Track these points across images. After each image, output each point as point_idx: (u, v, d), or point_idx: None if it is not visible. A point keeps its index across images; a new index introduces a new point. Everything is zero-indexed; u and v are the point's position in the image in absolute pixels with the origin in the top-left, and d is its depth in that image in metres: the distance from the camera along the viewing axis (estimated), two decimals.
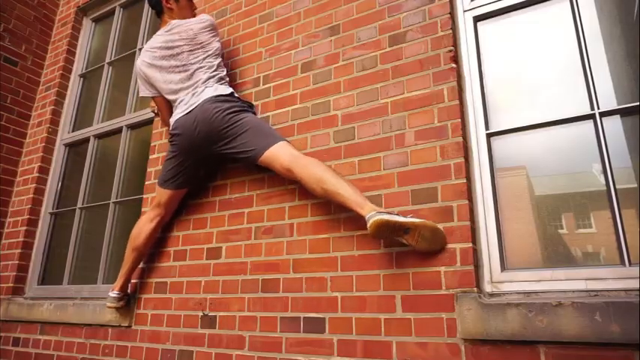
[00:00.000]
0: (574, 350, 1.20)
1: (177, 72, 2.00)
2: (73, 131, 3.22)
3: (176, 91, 2.00)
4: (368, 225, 1.39)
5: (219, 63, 2.05)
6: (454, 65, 1.65)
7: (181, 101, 1.98)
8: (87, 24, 3.55)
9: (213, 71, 1.99)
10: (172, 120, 1.99)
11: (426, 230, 1.41)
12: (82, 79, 3.39)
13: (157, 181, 2.12)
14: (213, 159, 2.04)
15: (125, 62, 3.18)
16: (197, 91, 1.94)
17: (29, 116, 3.32)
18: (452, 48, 1.67)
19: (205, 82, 1.95)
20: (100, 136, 3.05)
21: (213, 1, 2.55)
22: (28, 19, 3.41)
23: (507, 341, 1.29)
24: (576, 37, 1.59)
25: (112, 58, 3.24)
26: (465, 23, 1.78)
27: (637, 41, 1.50)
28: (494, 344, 1.31)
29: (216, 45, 2.05)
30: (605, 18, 1.59)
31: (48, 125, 3.18)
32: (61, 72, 3.32)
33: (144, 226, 2.08)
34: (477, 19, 1.78)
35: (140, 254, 2.11)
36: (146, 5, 3.16)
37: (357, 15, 1.95)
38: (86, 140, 3.09)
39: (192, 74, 1.98)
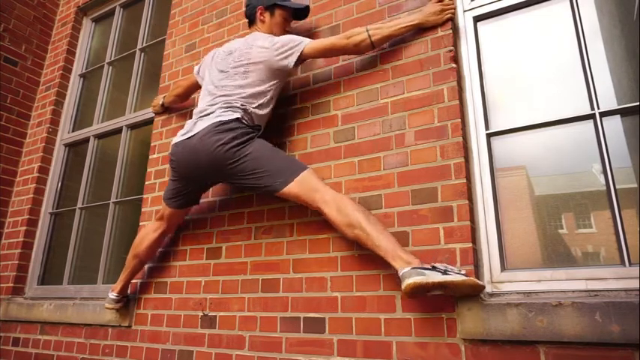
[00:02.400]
0: (574, 350, 1.20)
1: (212, 86, 1.83)
2: (73, 131, 3.22)
3: (200, 102, 1.84)
4: (402, 285, 1.30)
5: (262, 96, 1.77)
6: (454, 65, 1.65)
7: (190, 119, 1.81)
8: (87, 24, 3.55)
9: (240, 102, 1.73)
10: (173, 141, 1.82)
11: (465, 287, 1.31)
12: (82, 79, 3.40)
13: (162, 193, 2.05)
14: (221, 182, 1.90)
15: (125, 62, 3.18)
16: (205, 117, 1.74)
17: (29, 116, 3.33)
18: (452, 48, 1.67)
19: (220, 108, 1.73)
20: (100, 136, 3.05)
21: (214, 1, 2.55)
22: (28, 19, 3.41)
23: (507, 341, 1.29)
24: (576, 37, 1.59)
25: (112, 58, 3.24)
26: (465, 23, 1.78)
27: (637, 41, 1.50)
28: (494, 344, 1.31)
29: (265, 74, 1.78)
30: (605, 18, 1.59)
31: (48, 125, 3.18)
32: (61, 72, 3.32)
33: (147, 235, 2.04)
34: (477, 19, 1.78)
35: (141, 262, 2.08)
36: (146, 5, 3.17)
37: (357, 15, 1.95)
38: (86, 140, 3.09)
39: (217, 96, 1.77)
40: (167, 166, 2.36)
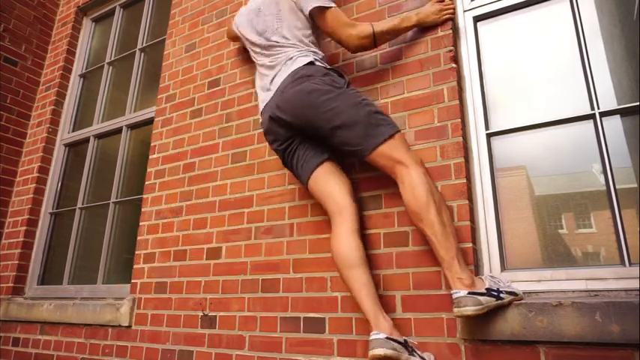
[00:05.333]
0: (574, 350, 1.20)
1: (259, 36, 1.72)
2: (73, 131, 3.22)
3: (257, 59, 1.75)
4: (455, 309, 1.24)
5: (307, 29, 1.67)
6: (454, 65, 1.65)
7: (263, 77, 1.69)
8: (87, 24, 3.55)
9: (300, 39, 1.64)
10: (259, 112, 1.71)
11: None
12: (82, 79, 3.40)
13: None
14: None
15: (125, 62, 3.18)
16: (277, 75, 1.63)
17: (29, 116, 3.33)
18: (452, 48, 1.67)
19: (289, 59, 1.61)
20: (100, 136, 3.05)
21: (214, 1, 2.55)
22: (28, 19, 3.41)
23: (507, 341, 1.29)
24: (576, 37, 1.59)
25: (112, 58, 3.24)
26: (465, 23, 1.78)
27: (637, 41, 1.50)
28: (495, 344, 1.31)
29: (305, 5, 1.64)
30: (605, 18, 1.59)
31: (48, 125, 3.18)
32: (61, 72, 3.32)
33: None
34: (477, 19, 1.78)
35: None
36: (146, 5, 3.17)
37: (357, 15, 1.95)
38: (86, 140, 3.09)
39: (276, 47, 1.66)
40: (167, 166, 2.36)
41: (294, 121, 1.55)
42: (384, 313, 1.40)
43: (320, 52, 1.68)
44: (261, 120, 1.72)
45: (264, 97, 1.69)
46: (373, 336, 1.32)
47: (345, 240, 1.46)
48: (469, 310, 1.22)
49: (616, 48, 1.56)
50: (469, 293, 1.25)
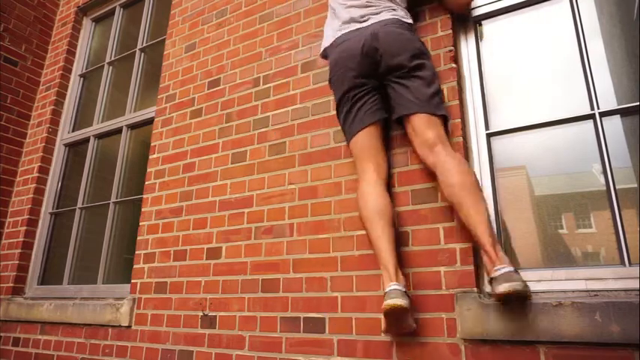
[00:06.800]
0: (574, 350, 1.20)
1: None
2: (73, 131, 3.22)
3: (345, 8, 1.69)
4: (499, 288, 1.19)
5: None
6: (454, 65, 1.65)
7: (350, 11, 1.65)
8: (87, 24, 3.55)
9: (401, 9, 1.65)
10: (327, 43, 1.68)
11: None
12: (82, 79, 3.40)
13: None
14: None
15: (125, 62, 3.18)
16: (374, 15, 1.61)
17: (29, 116, 3.33)
18: (452, 48, 1.67)
19: (390, 5, 1.63)
20: (100, 136, 3.05)
21: (214, 1, 2.55)
22: (28, 19, 3.41)
23: (507, 341, 1.29)
24: (576, 37, 1.59)
25: (112, 58, 3.24)
26: (465, 22, 1.78)
27: (637, 40, 1.50)
28: (494, 344, 1.31)
29: None
30: (605, 18, 1.59)
31: (48, 125, 3.18)
32: (61, 72, 3.32)
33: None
34: (477, 19, 1.78)
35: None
36: (146, 5, 3.17)
37: None
38: (86, 140, 3.09)
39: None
40: (167, 166, 2.36)
41: (384, 53, 1.54)
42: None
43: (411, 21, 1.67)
44: (330, 54, 1.66)
45: (348, 27, 1.64)
46: (393, 286, 1.34)
47: (382, 193, 1.51)
48: (519, 285, 1.18)
49: (616, 48, 1.56)
50: (515, 270, 1.23)
